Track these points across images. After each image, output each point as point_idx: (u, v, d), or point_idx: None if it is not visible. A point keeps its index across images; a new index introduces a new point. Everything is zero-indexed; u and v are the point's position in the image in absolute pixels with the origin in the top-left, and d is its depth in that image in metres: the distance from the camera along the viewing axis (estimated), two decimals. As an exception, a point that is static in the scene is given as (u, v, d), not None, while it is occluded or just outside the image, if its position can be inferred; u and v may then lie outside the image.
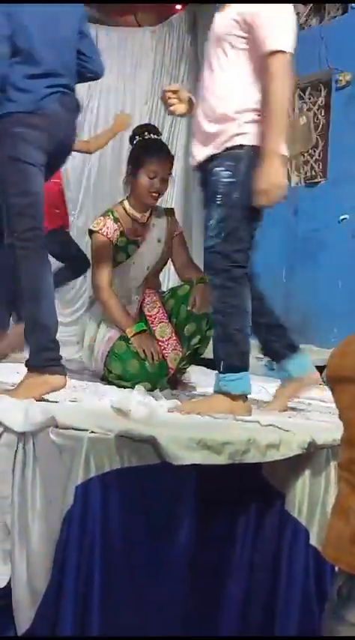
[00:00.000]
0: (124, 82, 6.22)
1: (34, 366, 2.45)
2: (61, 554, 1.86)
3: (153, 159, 3.13)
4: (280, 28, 2.33)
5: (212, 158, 2.43)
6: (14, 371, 2.81)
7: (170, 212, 3.38)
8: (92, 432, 1.93)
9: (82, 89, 6.77)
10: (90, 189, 6.29)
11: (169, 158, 3.22)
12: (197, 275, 3.14)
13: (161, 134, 3.41)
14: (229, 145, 2.39)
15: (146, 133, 3.24)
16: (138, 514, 1.93)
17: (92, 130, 6.18)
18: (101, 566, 1.86)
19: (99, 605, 1.85)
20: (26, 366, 2.47)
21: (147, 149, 3.16)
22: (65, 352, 2.65)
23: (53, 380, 2.43)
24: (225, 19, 2.41)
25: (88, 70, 2.82)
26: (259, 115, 2.37)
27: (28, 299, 2.50)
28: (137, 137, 3.25)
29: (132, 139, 3.29)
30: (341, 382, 1.40)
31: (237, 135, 2.38)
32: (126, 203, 3.24)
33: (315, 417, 2.48)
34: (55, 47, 2.55)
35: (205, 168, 2.47)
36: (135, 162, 3.18)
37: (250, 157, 2.37)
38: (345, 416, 1.41)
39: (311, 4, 4.91)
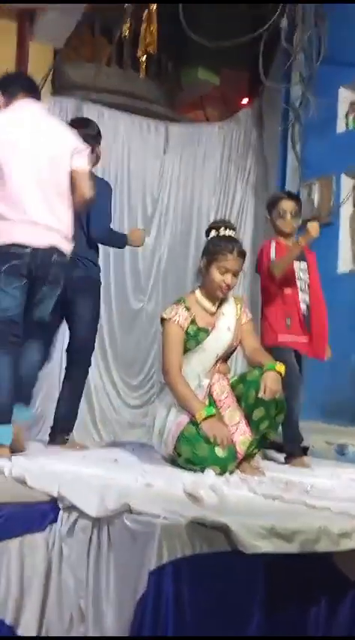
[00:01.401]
0: (193, 174, 6.44)
1: None
2: (135, 640, 1.87)
3: (227, 255, 3.22)
4: None
5: None
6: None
7: (239, 301, 3.45)
8: (165, 517, 1.96)
9: (154, 182, 6.97)
10: (160, 276, 6.48)
11: (241, 254, 3.29)
12: (266, 361, 3.20)
13: (236, 230, 3.47)
14: None
15: (222, 229, 3.32)
16: (211, 601, 1.93)
17: (162, 220, 6.40)
18: (174, 653, 1.87)
19: None
20: None
21: (222, 245, 3.24)
22: (133, 435, 2.70)
23: None
24: None
25: None
26: None
27: None
28: (213, 231, 3.34)
29: (208, 232, 3.38)
30: None
31: None
32: (197, 292, 3.34)
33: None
34: None
35: None
36: (209, 256, 3.27)
37: None
38: None
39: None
